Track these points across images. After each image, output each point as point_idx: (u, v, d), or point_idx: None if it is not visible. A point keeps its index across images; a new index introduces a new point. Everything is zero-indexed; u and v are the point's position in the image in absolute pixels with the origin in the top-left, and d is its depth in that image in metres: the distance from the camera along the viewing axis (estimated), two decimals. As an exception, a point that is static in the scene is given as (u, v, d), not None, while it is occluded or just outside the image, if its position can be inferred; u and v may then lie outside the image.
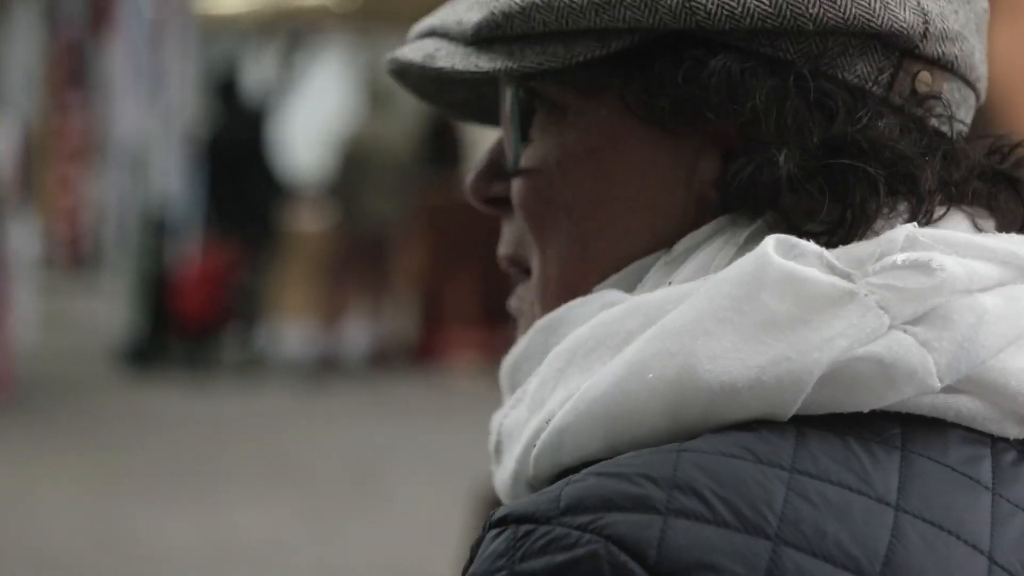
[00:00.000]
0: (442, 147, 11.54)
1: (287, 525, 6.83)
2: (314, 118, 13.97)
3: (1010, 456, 0.90)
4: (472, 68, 0.99)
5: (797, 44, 0.92)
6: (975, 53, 0.97)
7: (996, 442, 0.90)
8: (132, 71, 10.45)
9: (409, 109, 11.29)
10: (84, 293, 12.98)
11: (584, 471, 0.84)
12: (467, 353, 10.50)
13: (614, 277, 0.96)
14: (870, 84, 0.93)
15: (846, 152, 0.90)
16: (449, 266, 10.84)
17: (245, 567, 6.24)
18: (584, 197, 0.98)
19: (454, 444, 7.39)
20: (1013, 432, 0.90)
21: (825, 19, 0.91)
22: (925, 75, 0.94)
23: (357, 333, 11.11)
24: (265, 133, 10.97)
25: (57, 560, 6.32)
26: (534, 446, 0.92)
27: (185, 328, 10.68)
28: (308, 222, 12.09)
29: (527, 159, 1.00)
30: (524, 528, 0.81)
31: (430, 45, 1.03)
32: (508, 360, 1.01)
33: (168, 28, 10.70)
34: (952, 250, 0.88)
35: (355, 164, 10.77)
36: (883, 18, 0.92)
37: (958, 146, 0.95)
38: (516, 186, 1.01)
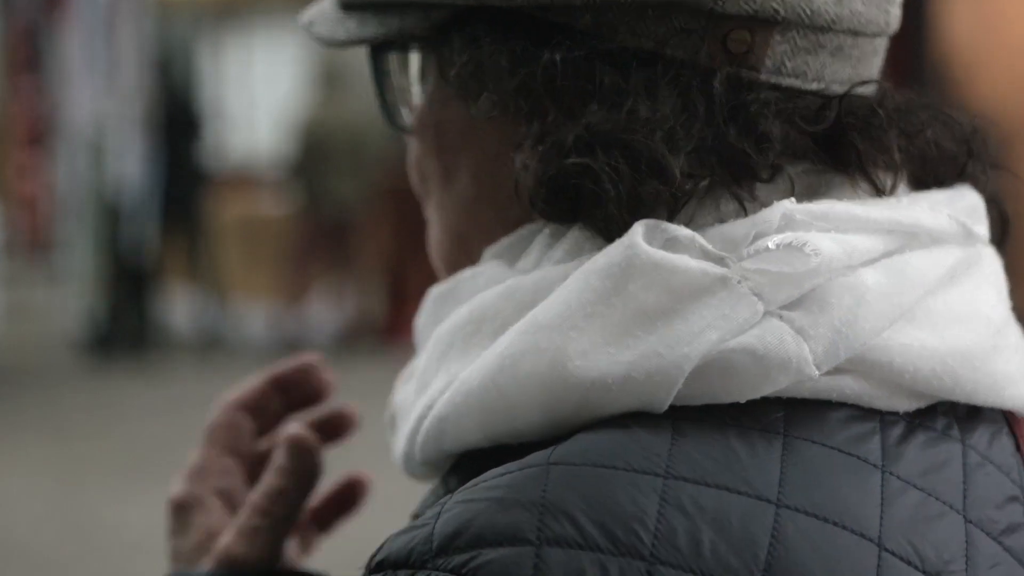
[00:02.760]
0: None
1: (254, 509, 6.81)
2: (269, 101, 13.92)
3: (899, 429, 0.87)
4: (330, 37, 1.00)
5: (590, 14, 0.88)
6: None
7: (884, 416, 0.87)
8: (87, 55, 10.39)
9: (366, 89, 11.27)
10: (45, 281, 12.92)
11: (454, 497, 0.81)
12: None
13: (503, 242, 0.93)
14: (669, 48, 0.88)
15: (592, 147, 0.86)
16: (413, 245, 10.82)
17: (212, 553, 6.22)
18: (437, 168, 0.98)
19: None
20: (903, 406, 0.87)
21: None
22: (740, 34, 0.88)
23: (323, 315, 11.10)
24: (194, 112, 10.95)
25: (21, 549, 6.29)
26: (419, 432, 0.91)
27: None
28: (270, 205, 12.06)
29: (411, 123, 1.01)
30: (401, 574, 0.79)
31: (319, 8, 1.04)
32: (416, 325, 1.00)
33: (122, 11, 10.64)
34: (831, 225, 0.85)
35: (314, 146, 10.72)
36: None
37: (783, 106, 0.89)
38: (408, 148, 1.03)
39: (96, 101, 10.32)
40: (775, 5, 0.88)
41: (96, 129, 10.36)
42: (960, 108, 0.97)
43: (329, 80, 10.97)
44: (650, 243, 0.84)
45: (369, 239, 11.14)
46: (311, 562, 1.12)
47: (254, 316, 11.35)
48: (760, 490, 0.80)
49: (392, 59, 1.01)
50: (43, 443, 8.12)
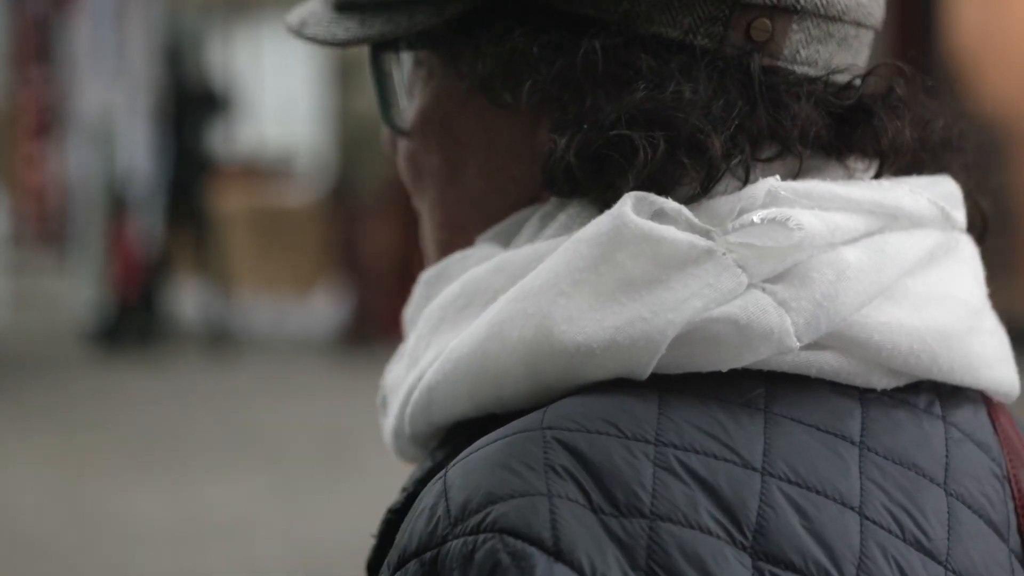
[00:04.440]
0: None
1: (258, 500, 6.82)
2: (278, 92, 13.92)
3: (879, 406, 0.89)
4: (330, 37, 1.00)
5: (616, 5, 0.90)
6: None
7: (864, 392, 0.89)
8: (96, 46, 10.40)
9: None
10: (53, 271, 12.93)
11: (453, 470, 0.82)
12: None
13: (495, 229, 0.96)
14: (697, 37, 0.90)
15: (634, 125, 0.88)
16: (419, 240, 10.81)
17: (216, 542, 6.23)
18: (441, 162, 0.99)
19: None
20: (880, 383, 0.89)
21: None
22: (762, 22, 0.90)
23: (328, 309, 11.09)
24: (206, 109, 10.89)
25: (28, 538, 6.30)
26: (408, 404, 0.92)
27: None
28: (278, 197, 12.05)
29: (408, 120, 1.01)
30: (428, 556, 0.80)
31: (307, 10, 1.05)
32: (406, 311, 1.01)
33: (133, 3, 10.65)
34: (814, 203, 0.87)
35: (334, 139, 10.70)
36: None
37: (807, 88, 0.91)
38: (399, 146, 1.03)
39: (105, 92, 10.32)
40: None
41: (105, 120, 10.37)
42: (952, 102, 0.99)
43: (344, 74, 10.93)
44: (638, 214, 0.85)
45: (377, 233, 11.12)
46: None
47: (260, 308, 11.34)
48: (746, 459, 0.82)
49: (393, 58, 1.02)
50: (49, 432, 8.12)
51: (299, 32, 1.04)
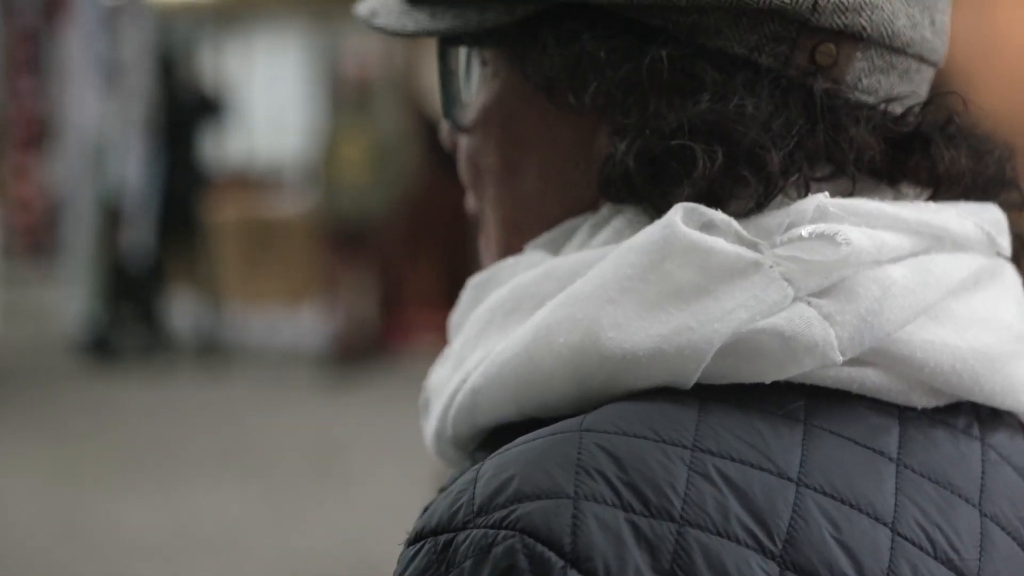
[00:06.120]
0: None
1: (249, 511, 6.82)
2: (269, 104, 13.92)
3: (918, 424, 0.90)
4: (399, 28, 1.02)
5: (684, 17, 0.92)
6: (899, 19, 0.94)
7: (904, 411, 0.90)
8: (88, 58, 10.39)
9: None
10: (43, 282, 12.91)
11: (488, 462, 0.83)
12: (430, 337, 10.49)
13: (545, 236, 0.97)
14: (762, 56, 0.91)
15: (695, 135, 0.89)
16: (412, 250, 10.82)
17: (207, 554, 6.23)
18: (501, 162, 1.01)
19: (417, 428, 7.23)
20: (920, 402, 0.90)
21: None
22: (827, 47, 0.92)
23: (320, 318, 11.08)
24: (200, 118, 10.85)
25: (19, 550, 6.30)
26: (452, 406, 0.93)
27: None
28: (270, 208, 12.04)
29: (469, 117, 1.03)
30: (443, 539, 0.81)
31: (378, 2, 1.06)
32: (453, 316, 1.03)
33: (124, 15, 10.65)
34: (862, 220, 0.88)
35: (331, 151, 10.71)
36: None
37: (866, 113, 0.93)
38: (460, 143, 1.05)
39: (97, 103, 10.31)
40: (863, 23, 0.92)
41: (97, 132, 10.36)
42: (993, 132, 1.01)
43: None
44: (688, 225, 0.86)
45: (380, 245, 11.09)
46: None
47: (250, 320, 11.33)
48: (782, 468, 0.83)
49: (459, 53, 1.04)
50: (40, 444, 8.12)
51: (369, 21, 1.05)
